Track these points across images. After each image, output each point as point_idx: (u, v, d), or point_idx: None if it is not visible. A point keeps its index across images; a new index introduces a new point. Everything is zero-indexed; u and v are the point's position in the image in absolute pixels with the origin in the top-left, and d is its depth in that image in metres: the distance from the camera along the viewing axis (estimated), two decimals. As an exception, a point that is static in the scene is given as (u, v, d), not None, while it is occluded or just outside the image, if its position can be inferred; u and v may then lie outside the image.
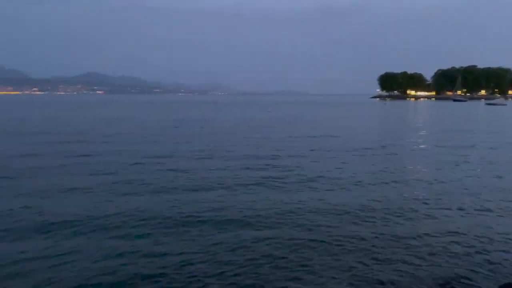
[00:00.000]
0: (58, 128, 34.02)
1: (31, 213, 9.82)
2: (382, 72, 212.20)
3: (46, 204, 10.52)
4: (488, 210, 10.47)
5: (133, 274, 6.75)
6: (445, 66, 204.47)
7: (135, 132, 30.76)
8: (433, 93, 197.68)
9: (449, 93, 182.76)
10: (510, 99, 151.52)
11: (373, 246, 7.96)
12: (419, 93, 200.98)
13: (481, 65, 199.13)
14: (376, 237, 8.43)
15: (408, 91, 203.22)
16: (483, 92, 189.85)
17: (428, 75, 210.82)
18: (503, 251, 7.84)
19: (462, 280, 6.63)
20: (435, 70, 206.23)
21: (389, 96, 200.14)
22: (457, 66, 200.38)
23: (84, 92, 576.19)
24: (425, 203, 11.04)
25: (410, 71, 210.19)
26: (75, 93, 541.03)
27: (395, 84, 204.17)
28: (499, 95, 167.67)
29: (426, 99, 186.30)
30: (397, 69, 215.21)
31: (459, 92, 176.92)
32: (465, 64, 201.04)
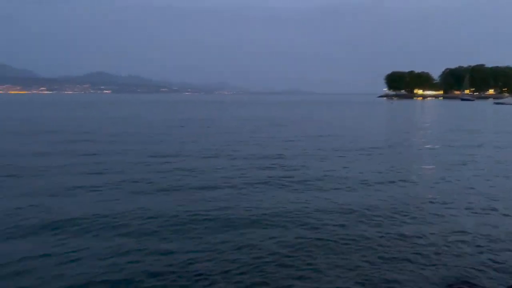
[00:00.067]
0: (65, 127, 34.27)
1: (39, 211, 9.92)
2: (389, 71, 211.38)
3: (54, 203, 10.62)
4: (495, 210, 10.40)
5: (140, 272, 6.79)
6: (452, 65, 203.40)
7: (141, 131, 30.90)
8: (441, 92, 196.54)
9: (457, 92, 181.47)
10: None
11: (380, 245, 7.95)
12: (426, 92, 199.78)
13: (489, 64, 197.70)
14: (383, 237, 8.41)
15: (415, 90, 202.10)
16: (491, 91, 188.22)
17: (436, 74, 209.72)
18: (511, 251, 7.79)
19: (470, 280, 6.59)
20: (443, 69, 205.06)
21: (396, 95, 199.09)
22: (465, 65, 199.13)
23: (91, 91, 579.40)
24: (432, 203, 11.00)
25: (417, 70, 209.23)
26: (82, 92, 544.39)
27: (402, 83, 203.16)
28: (507, 94, 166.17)
29: (433, 98, 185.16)
30: (404, 68, 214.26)
31: (467, 91, 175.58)
32: (473, 63, 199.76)
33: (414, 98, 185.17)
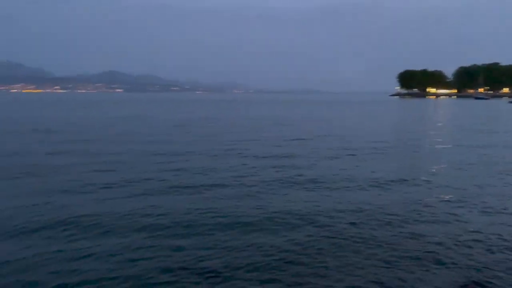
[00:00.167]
0: (79, 126, 34.68)
1: (52, 208, 10.07)
2: (402, 69, 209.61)
3: (66, 200, 10.76)
4: (508, 210, 10.28)
5: (151, 268, 6.86)
6: (466, 63, 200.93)
7: (150, 130, 31.13)
8: (454, 91, 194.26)
9: (471, 91, 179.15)
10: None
11: (391, 244, 7.90)
12: (439, 90, 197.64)
13: (504, 62, 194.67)
14: (394, 236, 8.37)
15: (428, 89, 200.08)
16: (506, 90, 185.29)
17: (449, 72, 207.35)
18: (525, 251, 7.70)
19: (481, 281, 6.54)
20: (456, 68, 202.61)
21: (409, 94, 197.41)
22: (479, 63, 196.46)
23: (104, 90, 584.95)
24: (444, 202, 10.91)
25: (430, 68, 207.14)
26: (95, 91, 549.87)
27: (415, 81, 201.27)
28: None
29: (446, 97, 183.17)
30: (417, 67, 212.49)
31: (481, 90, 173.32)
32: (487, 61, 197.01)
33: (427, 96, 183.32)
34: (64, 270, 6.81)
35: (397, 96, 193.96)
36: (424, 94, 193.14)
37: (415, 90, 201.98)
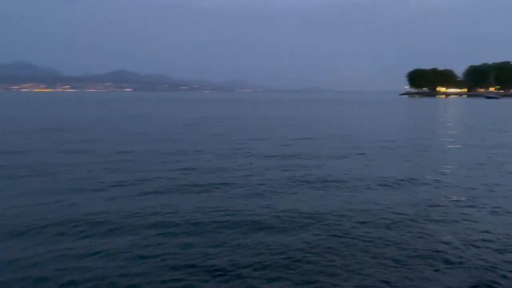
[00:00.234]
0: (90, 125, 34.97)
1: (61, 207, 10.17)
2: (411, 68, 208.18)
3: (75, 199, 10.85)
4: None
5: (159, 266, 6.92)
6: (477, 62, 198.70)
7: (160, 129, 31.29)
8: (465, 90, 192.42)
9: (481, 90, 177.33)
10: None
11: (400, 245, 7.85)
12: (449, 90, 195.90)
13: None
14: (403, 236, 8.32)
15: (438, 88, 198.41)
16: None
17: (459, 71, 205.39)
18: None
19: (492, 284, 6.47)
20: (467, 66, 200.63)
21: (418, 93, 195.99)
22: (489, 62, 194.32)
23: (113, 89, 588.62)
24: (454, 203, 10.81)
25: (440, 67, 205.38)
26: (104, 90, 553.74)
27: (425, 80, 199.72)
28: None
29: (457, 96, 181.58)
30: (427, 66, 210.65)
31: (491, 89, 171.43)
32: (498, 59, 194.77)
33: (437, 96, 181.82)
34: (73, 267, 6.88)
35: (407, 95, 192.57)
36: (434, 93, 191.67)
37: (425, 89, 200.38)
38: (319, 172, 14.45)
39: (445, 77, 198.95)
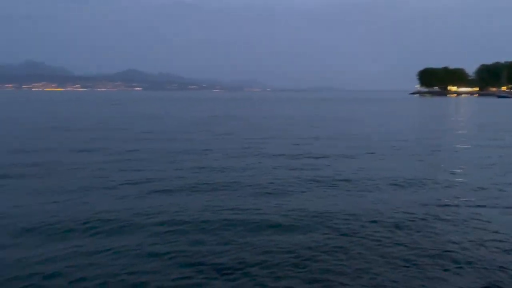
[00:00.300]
0: (101, 124, 35.28)
1: (72, 206, 10.29)
2: (421, 67, 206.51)
3: (87, 198, 10.94)
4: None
5: (169, 264, 6.97)
6: (489, 61, 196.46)
7: (169, 128, 31.45)
8: (476, 89, 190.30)
9: (493, 89, 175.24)
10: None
11: (409, 246, 7.77)
12: (460, 89, 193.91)
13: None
14: (413, 236, 8.27)
15: (449, 87, 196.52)
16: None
17: (471, 70, 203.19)
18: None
19: (503, 285, 6.39)
20: (478, 65, 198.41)
21: (429, 92, 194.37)
22: (502, 60, 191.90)
23: (123, 88, 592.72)
24: (465, 204, 10.68)
25: (451, 66, 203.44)
26: (114, 89, 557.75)
27: (436, 79, 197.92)
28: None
29: (468, 95, 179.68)
30: (437, 64, 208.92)
31: (503, 88, 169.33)
32: (510, 58, 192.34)
33: (448, 95, 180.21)
34: (83, 264, 6.95)
35: (417, 95, 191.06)
36: (445, 93, 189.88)
37: (436, 88, 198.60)
38: (328, 171, 14.38)
39: (456, 76, 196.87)
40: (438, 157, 18.69)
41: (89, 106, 72.77)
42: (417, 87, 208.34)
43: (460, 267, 6.92)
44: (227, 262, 7.05)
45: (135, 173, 13.89)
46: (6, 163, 15.62)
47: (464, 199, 11.03)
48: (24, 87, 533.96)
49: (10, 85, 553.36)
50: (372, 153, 18.76)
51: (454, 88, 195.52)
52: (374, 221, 9.08)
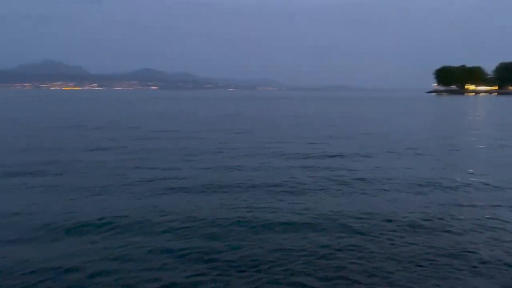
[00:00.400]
0: (117, 122, 35.66)
1: (87, 205, 10.45)
2: (438, 65, 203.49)
3: (102, 197, 11.03)
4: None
5: (183, 264, 7.04)
6: (508, 59, 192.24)
7: (184, 127, 31.61)
8: (495, 87, 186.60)
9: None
10: None
11: (424, 249, 7.65)
12: (479, 87, 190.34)
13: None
14: (430, 236, 8.19)
15: (466, 86, 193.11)
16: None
17: (489, 68, 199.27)
18: None
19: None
20: (497, 63, 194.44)
21: (446, 91, 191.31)
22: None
23: (139, 87, 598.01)
24: (483, 203, 10.55)
25: (469, 64, 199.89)
26: (130, 88, 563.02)
27: (453, 78, 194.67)
28: None
29: (486, 94, 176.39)
30: (455, 63, 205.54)
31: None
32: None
33: (466, 93, 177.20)
34: (99, 259, 7.08)
35: (434, 93, 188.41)
36: (462, 91, 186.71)
37: (453, 87, 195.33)
38: (344, 170, 14.28)
39: (474, 75, 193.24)
40: (456, 157, 18.43)
41: (105, 105, 73.65)
42: (434, 85, 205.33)
43: (476, 267, 6.84)
44: (241, 259, 7.09)
45: (150, 171, 14.02)
46: (22, 162, 15.89)
47: (481, 199, 10.87)
48: (43, 86, 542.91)
49: (29, 84, 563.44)
50: (388, 152, 18.58)
51: (472, 87, 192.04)
52: (389, 220, 9.02)
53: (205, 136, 24.44)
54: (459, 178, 13.34)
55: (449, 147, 20.91)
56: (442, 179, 13.17)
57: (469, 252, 7.42)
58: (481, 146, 21.68)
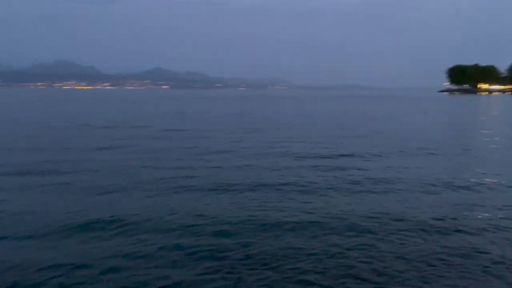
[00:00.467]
0: (126, 122, 35.93)
1: (97, 204, 10.52)
2: (451, 64, 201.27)
3: (112, 197, 11.05)
4: None
5: (195, 265, 7.07)
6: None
7: (194, 126, 31.72)
8: (509, 86, 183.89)
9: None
10: None
11: (436, 253, 7.52)
12: (492, 86, 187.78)
13: None
14: (442, 235, 8.11)
15: (479, 85, 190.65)
16: None
17: (503, 67, 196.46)
18: None
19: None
20: (511, 62, 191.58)
21: (459, 90, 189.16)
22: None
23: (151, 87, 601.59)
24: (496, 204, 10.40)
25: (482, 63, 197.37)
26: (142, 87, 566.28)
27: (465, 77, 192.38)
28: None
29: (500, 93, 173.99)
30: (468, 61, 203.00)
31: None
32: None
33: (479, 93, 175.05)
34: (110, 256, 7.14)
35: (446, 92, 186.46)
36: (475, 90, 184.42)
37: (466, 86, 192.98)
38: (355, 172, 14.01)
39: (487, 74, 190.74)
40: (468, 156, 18.22)
41: (118, 104, 74.24)
42: (447, 84, 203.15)
43: (488, 267, 6.76)
44: (251, 257, 7.09)
45: (160, 170, 14.09)
46: (34, 161, 16.07)
47: (494, 199, 10.73)
48: (56, 85, 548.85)
49: (43, 83, 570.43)
50: (400, 152, 18.42)
51: (485, 86, 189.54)
52: (401, 220, 8.94)
53: (216, 135, 24.50)
54: (471, 178, 13.17)
55: (462, 147, 20.67)
56: (454, 179, 13.03)
57: (481, 252, 7.33)
58: (494, 146, 21.39)
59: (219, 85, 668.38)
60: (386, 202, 10.41)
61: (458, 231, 8.36)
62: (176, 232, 8.28)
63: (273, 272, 6.57)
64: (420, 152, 18.49)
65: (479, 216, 9.31)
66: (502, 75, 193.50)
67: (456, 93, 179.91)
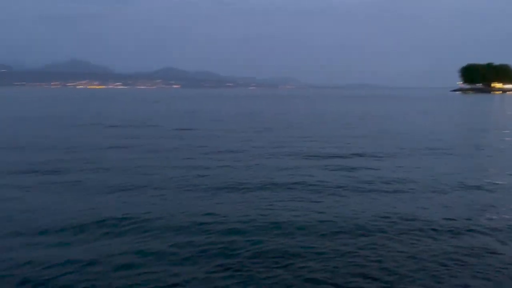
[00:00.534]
0: (138, 121, 36.18)
1: (109, 204, 10.62)
2: (464, 63, 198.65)
3: (123, 197, 11.09)
4: None
5: (205, 266, 7.12)
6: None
7: (204, 126, 31.80)
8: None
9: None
10: None
11: (447, 255, 7.41)
12: (506, 86, 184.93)
13: None
14: (454, 236, 8.06)
15: (493, 84, 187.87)
16: None
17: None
18: None
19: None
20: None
21: (472, 89, 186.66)
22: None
23: (162, 86, 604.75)
24: (509, 205, 10.29)
25: (495, 62, 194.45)
26: (154, 87, 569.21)
27: (479, 76, 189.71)
28: None
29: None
30: (481, 60, 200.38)
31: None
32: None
33: (492, 92, 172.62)
34: (121, 252, 7.24)
35: (459, 92, 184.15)
36: (489, 90, 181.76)
37: (479, 85, 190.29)
38: (366, 172, 13.91)
39: (501, 73, 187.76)
40: (481, 157, 18.02)
41: (130, 103, 74.79)
42: (460, 84, 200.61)
43: (502, 268, 6.69)
44: (261, 255, 7.12)
45: (171, 169, 14.19)
46: (48, 159, 16.31)
47: (507, 200, 10.61)
48: (69, 85, 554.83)
49: (57, 83, 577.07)
50: (412, 151, 18.28)
51: (498, 85, 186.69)
52: (412, 220, 8.89)
53: (226, 135, 24.56)
54: (484, 178, 13.03)
55: (475, 147, 20.45)
56: (466, 179, 12.90)
57: (494, 253, 7.27)
58: (508, 146, 21.10)
59: (230, 84, 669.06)
60: (397, 202, 10.36)
61: (470, 231, 8.30)
62: (187, 230, 8.35)
63: (284, 271, 6.60)
64: (432, 152, 18.31)
65: (492, 217, 9.21)
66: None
67: (469, 92, 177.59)
